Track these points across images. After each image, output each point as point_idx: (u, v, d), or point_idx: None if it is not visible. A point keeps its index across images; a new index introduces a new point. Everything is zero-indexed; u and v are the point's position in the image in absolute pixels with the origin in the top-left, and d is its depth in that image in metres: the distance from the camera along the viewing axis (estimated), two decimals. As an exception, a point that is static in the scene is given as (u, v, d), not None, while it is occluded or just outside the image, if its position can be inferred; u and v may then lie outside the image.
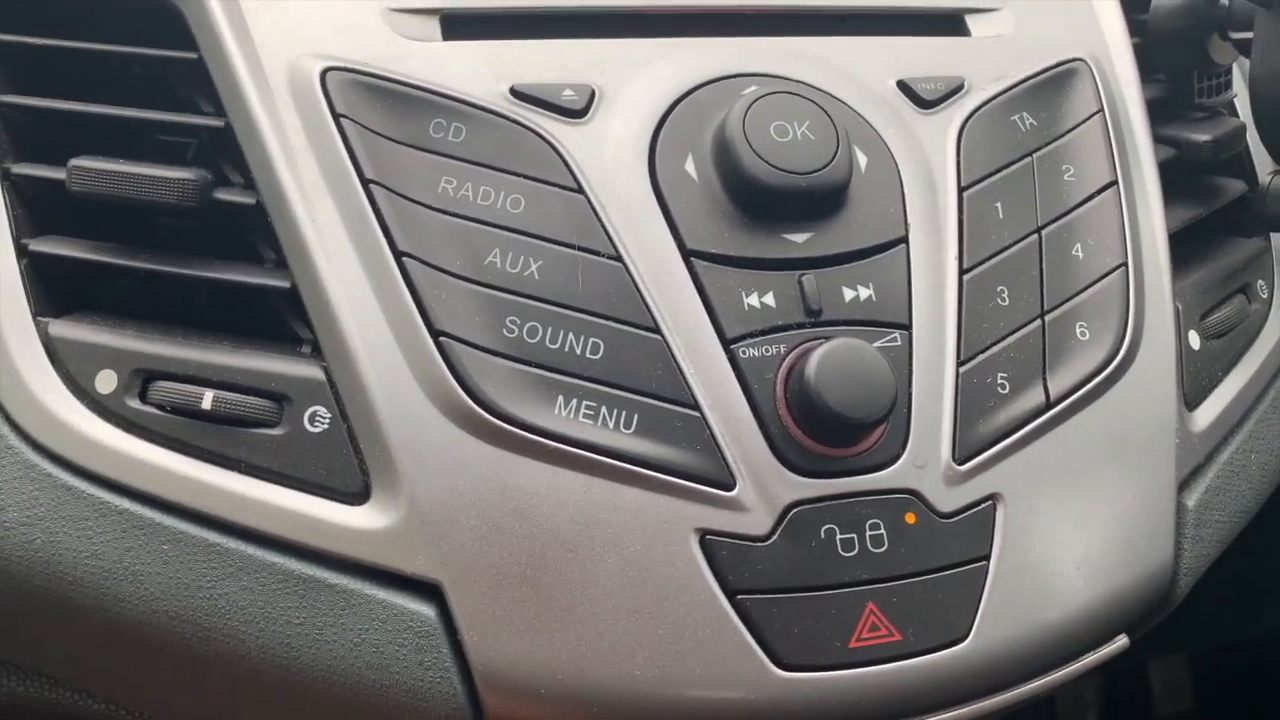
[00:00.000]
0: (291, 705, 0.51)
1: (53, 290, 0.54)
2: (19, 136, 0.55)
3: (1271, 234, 0.71)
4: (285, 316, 0.53)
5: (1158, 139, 0.65)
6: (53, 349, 0.51)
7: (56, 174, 0.53)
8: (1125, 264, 0.59)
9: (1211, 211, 0.68)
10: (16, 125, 0.55)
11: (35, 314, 0.52)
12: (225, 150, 0.55)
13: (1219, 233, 0.70)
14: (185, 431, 0.50)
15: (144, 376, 0.51)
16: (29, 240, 0.53)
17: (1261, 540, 0.67)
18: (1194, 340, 0.63)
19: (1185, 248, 0.66)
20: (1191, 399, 0.62)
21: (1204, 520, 0.61)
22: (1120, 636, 0.59)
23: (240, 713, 0.53)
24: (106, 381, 0.51)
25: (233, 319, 0.54)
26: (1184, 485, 0.61)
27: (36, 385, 0.51)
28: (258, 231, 0.54)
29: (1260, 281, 0.69)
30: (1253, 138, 0.72)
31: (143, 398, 0.51)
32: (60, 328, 0.52)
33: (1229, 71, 0.72)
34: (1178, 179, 0.67)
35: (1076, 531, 0.55)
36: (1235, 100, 0.73)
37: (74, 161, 0.52)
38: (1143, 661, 1.38)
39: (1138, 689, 1.40)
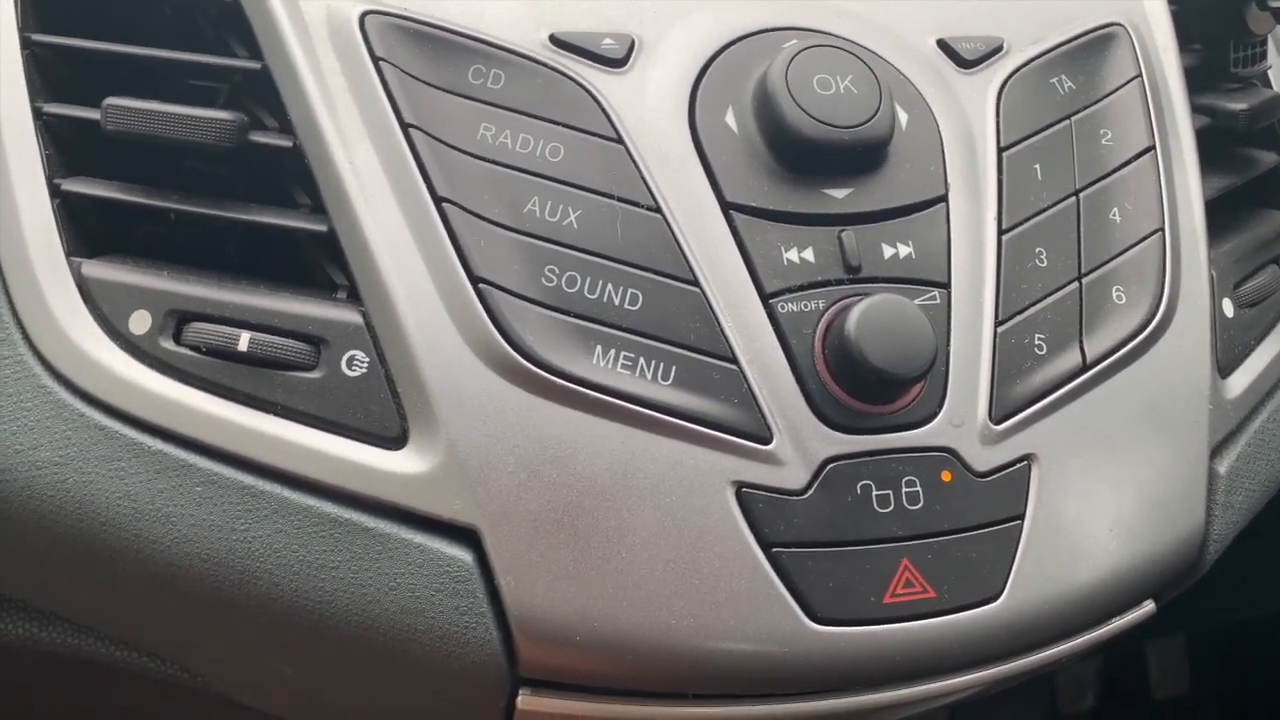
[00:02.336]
0: (325, 649, 0.51)
1: (85, 232, 0.53)
2: (49, 77, 0.55)
3: (1304, 207, 0.71)
4: (320, 261, 0.53)
5: (1193, 107, 0.65)
6: (86, 289, 0.51)
7: (90, 114, 0.52)
8: (1162, 229, 0.59)
9: (1245, 181, 0.68)
10: (47, 65, 0.55)
11: (68, 254, 0.52)
12: (259, 94, 0.54)
13: (1252, 203, 0.70)
14: (220, 373, 0.50)
15: (178, 318, 0.51)
16: (61, 180, 0.53)
17: (1266, 520, 0.67)
18: (1228, 308, 0.63)
19: (1219, 217, 0.66)
20: (1225, 366, 0.62)
21: (1235, 488, 0.61)
22: (1147, 602, 0.59)
23: (272, 658, 0.53)
24: (140, 322, 0.51)
25: (263, 265, 0.54)
26: (1216, 452, 0.61)
27: (69, 325, 0.51)
28: (293, 176, 0.54)
29: (1292, 253, 0.69)
30: (1286, 110, 0.72)
31: (177, 339, 0.51)
32: (93, 268, 0.51)
33: (1265, 42, 0.71)
34: (1212, 148, 0.66)
35: (1110, 494, 0.55)
36: (1270, 72, 0.73)
37: (109, 100, 0.51)
38: (1141, 645, 1.39)
39: (1136, 672, 1.40)
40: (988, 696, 0.61)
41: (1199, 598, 0.66)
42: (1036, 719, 1.24)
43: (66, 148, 0.54)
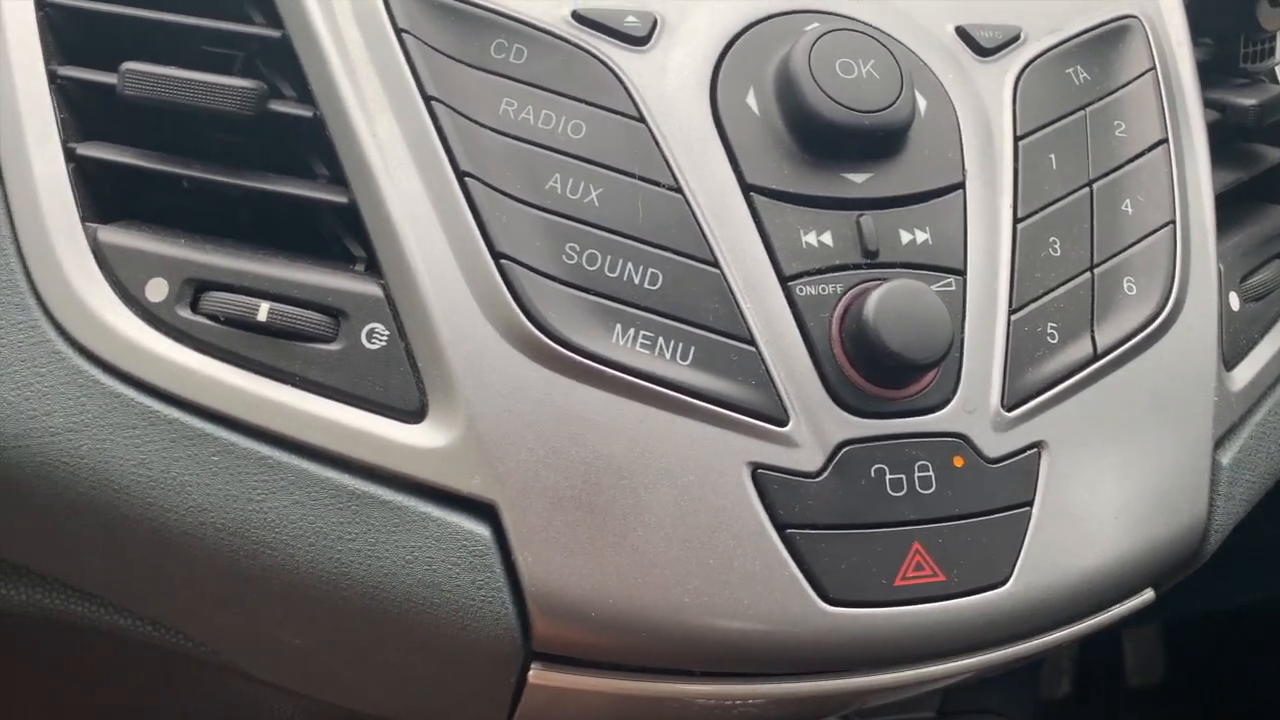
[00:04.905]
0: (339, 622, 0.51)
1: (99, 197, 0.53)
2: (62, 40, 0.54)
3: (1308, 202, 0.72)
4: (339, 233, 0.53)
5: (1203, 102, 0.65)
6: (102, 255, 0.51)
7: (107, 78, 0.51)
8: (1173, 221, 0.59)
9: (1253, 176, 0.69)
10: (61, 28, 0.54)
11: (83, 220, 0.51)
12: (275, 62, 0.54)
13: (1258, 198, 0.71)
14: (238, 343, 0.50)
15: (196, 286, 0.50)
16: (76, 145, 0.52)
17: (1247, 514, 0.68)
18: (1234, 301, 0.64)
19: (1226, 211, 0.66)
20: (1230, 359, 0.63)
21: (1236, 479, 0.62)
22: (1147, 590, 0.60)
23: (285, 629, 0.53)
24: (157, 290, 0.50)
25: (276, 237, 0.53)
26: (1219, 443, 0.61)
27: (84, 291, 0.50)
28: (311, 146, 0.53)
29: (1297, 248, 0.70)
30: (1293, 106, 0.72)
31: (194, 308, 0.50)
32: (109, 234, 0.51)
33: (1274, 38, 0.72)
34: (1221, 143, 0.67)
35: (1116, 482, 0.56)
36: (1278, 68, 0.73)
37: (127, 65, 0.51)
38: (1117, 632, 1.40)
39: (1112, 659, 1.42)
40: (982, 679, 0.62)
41: (1176, 587, 0.66)
42: (1023, 702, 1.26)
43: (80, 112, 0.53)
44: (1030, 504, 0.54)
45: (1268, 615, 1.27)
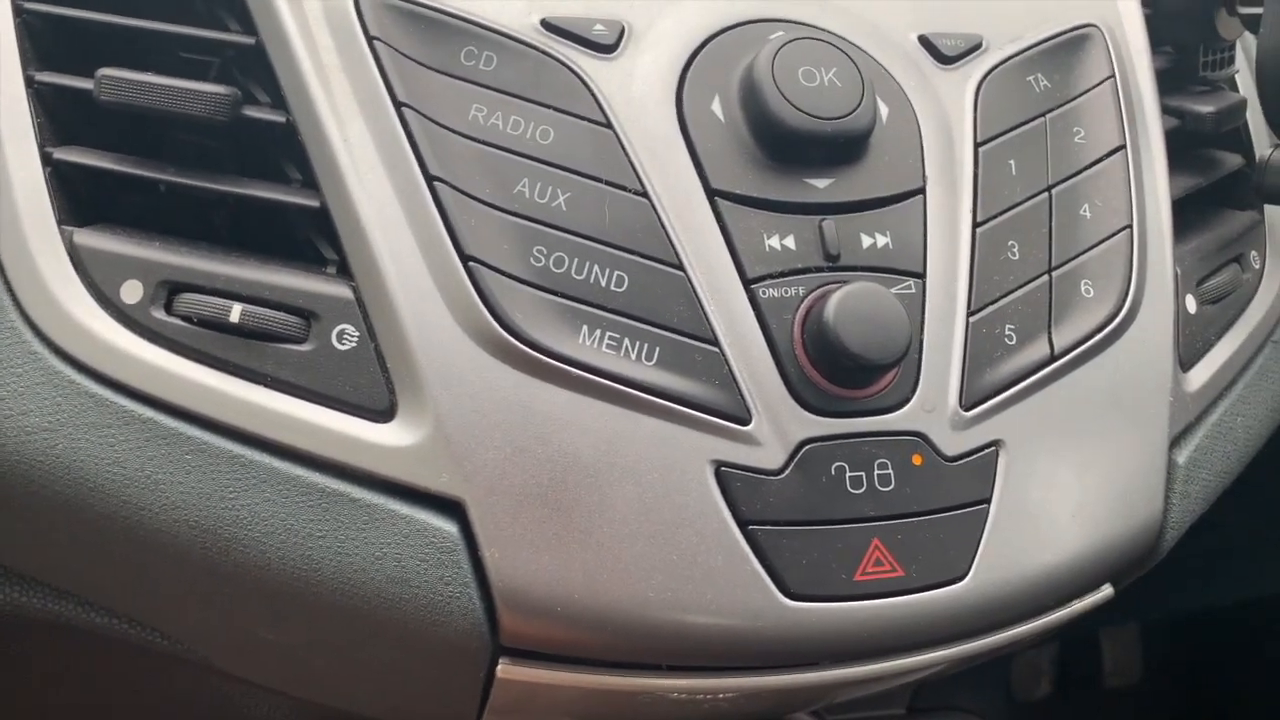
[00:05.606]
0: (310, 617, 0.52)
1: (76, 201, 0.53)
2: (40, 46, 0.55)
3: (1265, 208, 0.73)
4: (310, 236, 0.54)
5: (1163, 109, 0.67)
6: (78, 257, 0.51)
7: (83, 84, 0.52)
8: (1130, 226, 0.61)
9: (1211, 182, 0.70)
10: (38, 34, 0.55)
11: (60, 223, 0.52)
12: (249, 69, 0.55)
13: (1215, 204, 0.72)
14: (211, 344, 0.51)
15: (170, 288, 0.51)
16: (53, 149, 0.53)
17: (1219, 514, 0.70)
18: (1190, 304, 0.65)
19: (1184, 216, 0.68)
20: (1186, 360, 0.64)
21: (1192, 478, 0.64)
22: (1105, 586, 0.61)
23: (257, 625, 0.54)
24: (132, 291, 0.51)
25: (250, 239, 0.54)
26: (1175, 442, 0.63)
27: (61, 293, 0.51)
28: (284, 151, 0.54)
29: (1253, 252, 0.71)
30: (1251, 114, 0.74)
31: (168, 309, 0.51)
32: (85, 237, 0.52)
33: (1233, 47, 0.74)
34: (1180, 149, 0.68)
35: (1073, 481, 0.57)
36: (1236, 76, 0.75)
37: (103, 71, 0.51)
38: (1095, 634, 1.42)
39: (1090, 660, 1.43)
40: (948, 676, 0.63)
41: (1154, 588, 0.68)
42: (993, 703, 1.27)
43: (57, 116, 0.54)
44: (988, 501, 0.55)
45: (1247, 617, 1.29)
